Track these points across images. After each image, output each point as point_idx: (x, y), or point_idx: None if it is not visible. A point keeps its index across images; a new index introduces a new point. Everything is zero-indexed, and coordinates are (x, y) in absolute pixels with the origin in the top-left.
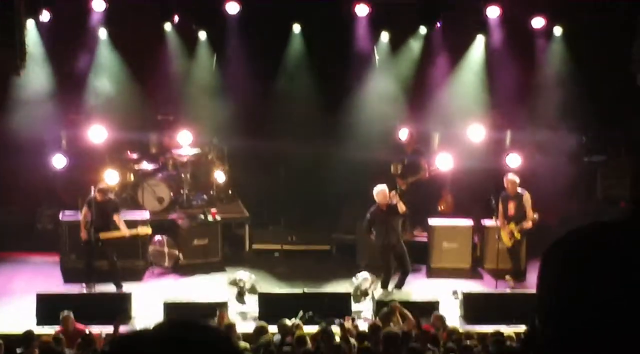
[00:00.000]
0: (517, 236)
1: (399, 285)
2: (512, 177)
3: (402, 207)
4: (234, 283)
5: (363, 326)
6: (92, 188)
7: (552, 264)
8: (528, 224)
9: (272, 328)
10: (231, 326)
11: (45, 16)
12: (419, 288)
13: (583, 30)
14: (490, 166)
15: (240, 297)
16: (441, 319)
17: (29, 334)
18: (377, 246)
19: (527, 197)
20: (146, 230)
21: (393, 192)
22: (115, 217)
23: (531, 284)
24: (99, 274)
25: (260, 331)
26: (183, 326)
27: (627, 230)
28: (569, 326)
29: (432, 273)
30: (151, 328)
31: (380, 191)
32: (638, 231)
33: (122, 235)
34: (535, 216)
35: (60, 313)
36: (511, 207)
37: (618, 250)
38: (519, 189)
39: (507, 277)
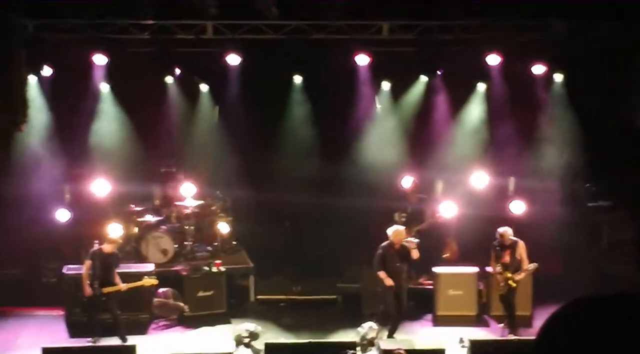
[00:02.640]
0: (512, 284)
1: (392, 331)
2: (502, 230)
3: (415, 253)
4: (239, 334)
5: None
6: (96, 242)
7: (551, 329)
8: (522, 275)
9: None
10: None
11: (47, 71)
12: (425, 336)
13: (584, 78)
14: (494, 213)
15: (246, 348)
16: None
17: None
18: (382, 286)
19: (521, 245)
20: (152, 281)
21: (414, 240)
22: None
23: (536, 332)
24: (104, 327)
25: None
26: None
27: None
28: None
29: (438, 321)
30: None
31: (398, 230)
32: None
33: (117, 289)
34: (533, 265)
35: None
36: (506, 255)
37: (603, 329)
38: (513, 238)
39: (502, 325)
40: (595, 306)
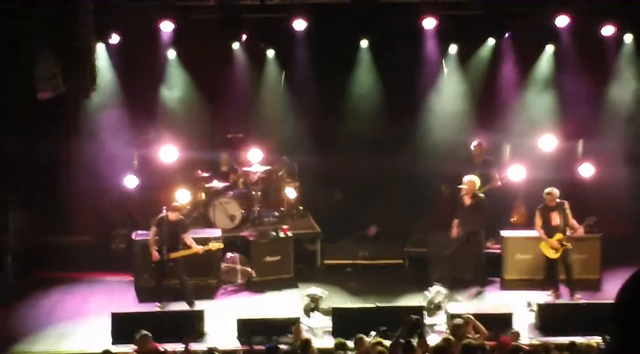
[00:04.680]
0: (568, 245)
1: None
2: (550, 190)
3: (467, 200)
4: (306, 304)
5: (437, 340)
6: (164, 208)
7: (627, 292)
8: (579, 232)
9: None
10: (307, 342)
11: (114, 39)
12: (492, 300)
13: None
14: (563, 176)
15: (313, 312)
16: (517, 335)
17: (106, 353)
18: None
19: (567, 206)
20: (218, 245)
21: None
22: (185, 237)
23: (605, 295)
24: (172, 292)
25: (339, 346)
26: None
27: None
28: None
29: (505, 285)
30: None
31: (469, 179)
32: None
33: (194, 252)
34: (590, 219)
35: (135, 333)
36: (554, 217)
37: None
38: (558, 200)
39: (550, 292)
40: None
